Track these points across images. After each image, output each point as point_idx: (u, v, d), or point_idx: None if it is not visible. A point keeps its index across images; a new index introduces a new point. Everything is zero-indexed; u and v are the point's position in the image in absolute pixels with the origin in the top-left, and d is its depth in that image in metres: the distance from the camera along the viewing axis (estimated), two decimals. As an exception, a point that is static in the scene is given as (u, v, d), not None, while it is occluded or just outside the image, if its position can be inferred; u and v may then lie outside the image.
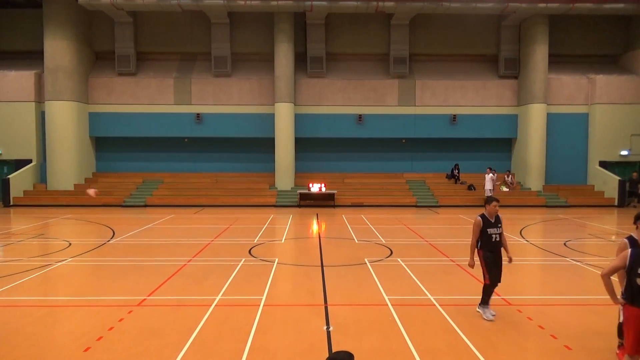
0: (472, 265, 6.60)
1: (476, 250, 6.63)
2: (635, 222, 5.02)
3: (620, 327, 5.21)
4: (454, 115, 24.08)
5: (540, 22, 23.00)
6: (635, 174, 22.21)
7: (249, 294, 7.65)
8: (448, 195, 22.97)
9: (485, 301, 6.58)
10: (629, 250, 4.42)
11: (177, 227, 15.79)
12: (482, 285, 6.58)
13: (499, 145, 25.28)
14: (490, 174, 21.18)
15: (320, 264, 9.90)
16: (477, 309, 6.67)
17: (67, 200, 21.92)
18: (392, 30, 23.97)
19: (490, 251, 6.50)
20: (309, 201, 22.06)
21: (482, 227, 6.51)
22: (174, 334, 5.89)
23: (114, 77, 24.02)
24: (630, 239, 5.03)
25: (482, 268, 6.55)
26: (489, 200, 6.67)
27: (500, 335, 5.88)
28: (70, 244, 12.20)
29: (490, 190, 21.15)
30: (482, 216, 6.57)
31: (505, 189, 23.29)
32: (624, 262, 4.37)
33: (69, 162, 22.68)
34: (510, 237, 13.70)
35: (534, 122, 23.24)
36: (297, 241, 13.25)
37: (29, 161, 23.25)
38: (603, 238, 13.77)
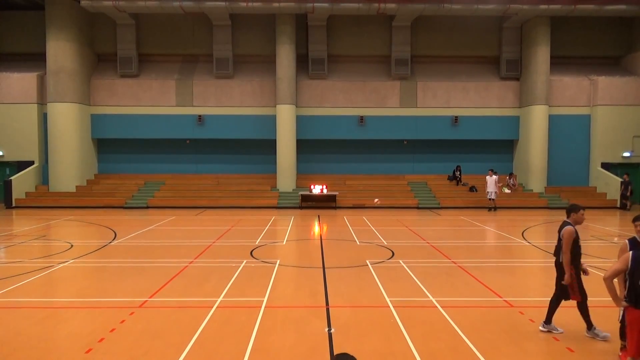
0: (569, 282, 5.75)
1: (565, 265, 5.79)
2: (634, 223, 5.02)
3: (622, 329, 5.19)
4: (456, 116, 24.07)
5: (542, 24, 22.99)
6: (626, 176, 22.14)
7: (251, 296, 7.65)
8: (450, 196, 22.95)
9: (589, 322, 5.89)
10: (631, 252, 4.41)
11: (179, 228, 15.80)
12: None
13: (500, 147, 25.26)
14: (494, 176, 21.11)
15: (321, 266, 9.89)
16: (587, 334, 5.93)
17: (69, 201, 21.96)
18: (394, 32, 23.99)
19: (576, 266, 5.81)
20: (310, 203, 22.06)
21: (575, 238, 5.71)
22: (175, 336, 5.89)
23: (116, 78, 24.07)
24: (632, 240, 5.02)
25: (574, 285, 5.81)
26: (575, 207, 5.83)
27: (502, 337, 5.87)
28: (72, 246, 12.21)
29: (494, 192, 21.06)
30: (572, 225, 5.78)
31: (507, 190, 23.27)
32: (626, 264, 4.37)
33: (71, 163, 22.73)
34: (513, 239, 13.68)
35: (536, 123, 23.22)
36: (299, 243, 13.25)
37: (31, 163, 23.30)
38: (605, 240, 13.73)
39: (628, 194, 21.95)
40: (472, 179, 24.20)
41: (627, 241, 5.03)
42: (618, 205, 22.34)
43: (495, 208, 21.33)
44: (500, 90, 24.41)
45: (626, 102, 23.36)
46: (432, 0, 20.89)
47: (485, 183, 21.57)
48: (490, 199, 21.25)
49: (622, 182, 22.18)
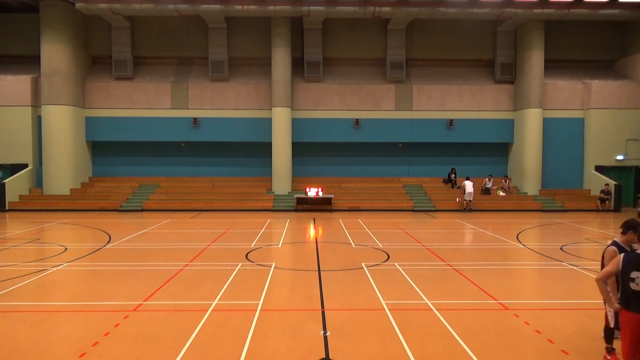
0: None
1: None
2: (625, 231, 5.04)
3: (606, 331, 5.22)
4: (451, 119, 24.16)
5: (536, 28, 23.14)
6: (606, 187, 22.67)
7: (246, 299, 7.63)
8: (445, 199, 23.00)
9: None
10: (622, 255, 4.45)
11: (174, 231, 15.74)
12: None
13: (495, 150, 25.38)
14: (470, 181, 21.89)
15: (317, 269, 9.88)
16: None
17: (63, 204, 21.84)
18: (389, 35, 24.07)
19: None
20: (306, 205, 22.06)
21: None
22: (170, 339, 5.86)
23: (111, 81, 24.01)
24: (621, 247, 5.04)
25: None
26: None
27: (497, 340, 5.88)
28: (66, 249, 12.14)
29: (470, 193, 21.44)
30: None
31: (502, 193, 23.38)
32: (617, 266, 4.40)
33: (65, 166, 22.62)
34: (507, 241, 13.73)
35: (530, 126, 23.35)
36: (294, 246, 13.23)
37: (25, 165, 23.17)
38: (599, 242, 13.80)
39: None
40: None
41: (614, 247, 5.05)
42: (612, 207, 22.50)
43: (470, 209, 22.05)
44: (495, 93, 24.53)
45: (619, 106, 23.53)
46: (427, 4, 20.99)
47: (464, 187, 22.00)
48: (470, 201, 21.90)
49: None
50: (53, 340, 5.91)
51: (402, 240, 13.87)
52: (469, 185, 21.76)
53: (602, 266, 5.21)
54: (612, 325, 5.08)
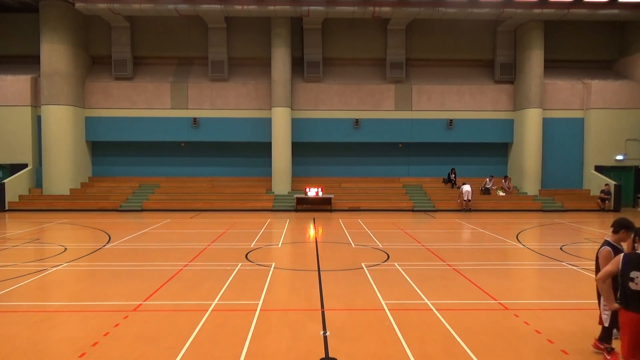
0: None
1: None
2: (617, 229, 5.05)
3: (604, 331, 5.22)
4: (451, 119, 24.16)
5: (536, 28, 23.14)
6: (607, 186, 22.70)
7: (246, 299, 7.63)
8: (445, 199, 23.00)
9: None
10: (622, 255, 4.46)
11: (174, 231, 15.74)
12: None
13: (495, 150, 25.38)
14: (467, 185, 21.97)
15: (317, 269, 9.88)
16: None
17: (62, 204, 21.83)
18: (389, 35, 24.07)
19: None
20: (305, 205, 22.06)
21: None
22: (170, 339, 5.86)
23: (111, 81, 24.01)
24: (610, 244, 5.04)
25: None
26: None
27: (497, 340, 5.88)
28: (65, 249, 12.14)
29: (468, 192, 21.52)
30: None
31: (501, 193, 23.39)
32: (617, 266, 4.41)
33: (64, 166, 22.61)
34: (507, 241, 13.73)
35: (530, 126, 23.35)
36: (294, 246, 13.23)
37: (25, 165, 23.17)
38: (599, 242, 13.79)
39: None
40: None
41: (608, 247, 5.05)
42: (612, 207, 22.50)
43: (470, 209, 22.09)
44: (495, 93, 24.54)
45: (619, 106, 23.54)
46: (426, 4, 20.99)
47: (462, 190, 22.12)
48: (469, 200, 21.90)
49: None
50: (53, 340, 5.91)
51: (402, 240, 13.87)
52: (465, 187, 21.80)
53: (597, 267, 5.21)
54: (606, 324, 5.07)
